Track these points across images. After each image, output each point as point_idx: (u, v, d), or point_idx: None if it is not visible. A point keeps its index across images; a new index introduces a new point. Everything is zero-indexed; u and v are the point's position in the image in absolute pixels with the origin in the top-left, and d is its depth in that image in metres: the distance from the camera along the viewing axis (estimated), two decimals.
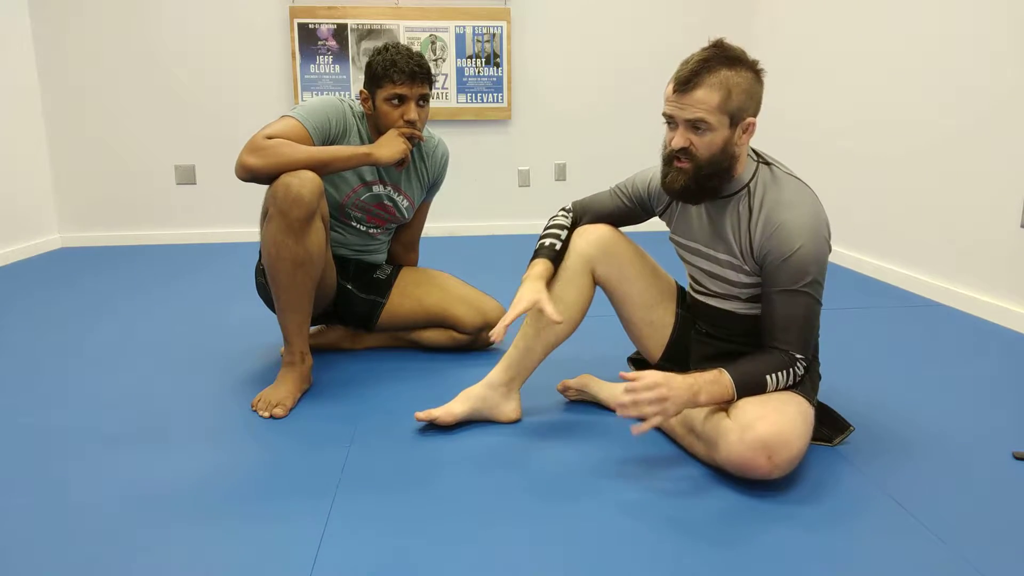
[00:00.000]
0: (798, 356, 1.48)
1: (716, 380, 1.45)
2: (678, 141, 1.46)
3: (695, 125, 1.44)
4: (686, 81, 1.42)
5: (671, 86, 1.46)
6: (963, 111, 2.72)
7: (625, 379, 1.44)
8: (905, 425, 1.74)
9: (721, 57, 1.43)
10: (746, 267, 1.54)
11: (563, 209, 1.81)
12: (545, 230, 1.76)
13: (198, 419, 1.78)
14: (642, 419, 1.41)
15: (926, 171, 2.93)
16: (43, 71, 3.96)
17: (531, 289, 1.60)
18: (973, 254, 2.71)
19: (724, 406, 1.48)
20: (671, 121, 1.48)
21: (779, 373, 1.46)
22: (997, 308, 2.58)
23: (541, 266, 1.67)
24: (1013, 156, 2.50)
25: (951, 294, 2.80)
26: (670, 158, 1.50)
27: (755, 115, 1.47)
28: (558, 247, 1.72)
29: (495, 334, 1.57)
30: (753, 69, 1.46)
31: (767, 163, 1.55)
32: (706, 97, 1.42)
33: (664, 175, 1.52)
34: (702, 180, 1.48)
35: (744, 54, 1.46)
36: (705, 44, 1.46)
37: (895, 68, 3.09)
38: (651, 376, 1.42)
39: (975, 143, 2.67)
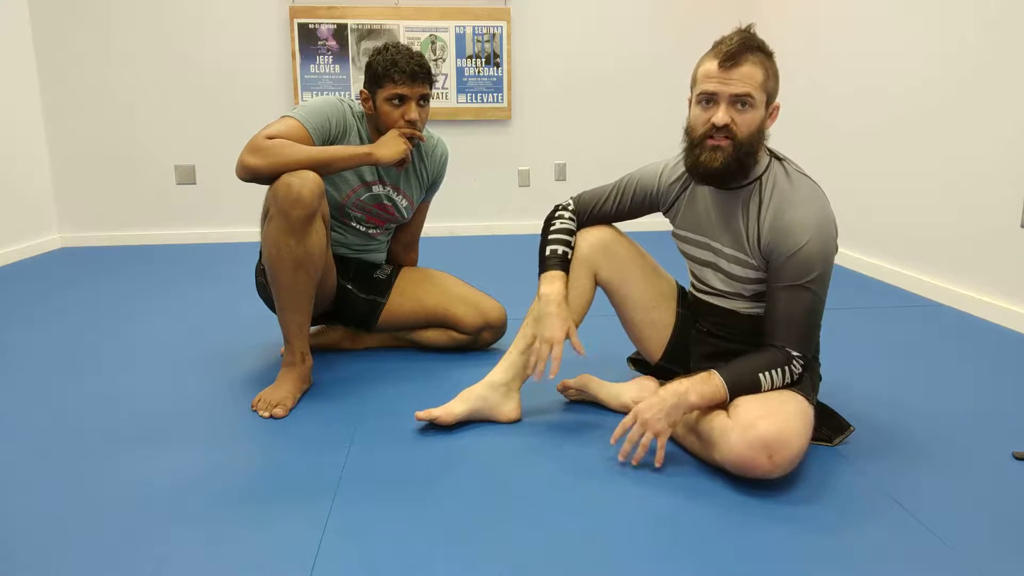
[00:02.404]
0: (795, 354, 1.48)
1: (706, 380, 1.46)
2: (722, 117, 1.44)
3: (741, 101, 1.44)
4: (732, 56, 1.42)
5: (712, 63, 1.45)
6: (963, 112, 2.72)
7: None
8: (905, 425, 1.74)
9: (755, 40, 1.46)
10: (752, 261, 1.54)
11: (564, 207, 1.78)
12: (551, 231, 1.73)
13: (198, 419, 1.78)
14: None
15: (926, 171, 2.93)
16: (43, 71, 3.96)
17: (559, 318, 1.61)
18: (973, 254, 2.71)
19: (724, 405, 1.48)
20: (710, 99, 1.46)
21: (773, 371, 1.46)
22: (997, 308, 2.58)
23: (560, 282, 1.66)
24: (1013, 156, 2.50)
25: (951, 294, 2.80)
26: (702, 138, 1.47)
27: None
28: (570, 256, 1.71)
29: (547, 374, 1.64)
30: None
31: (779, 159, 1.55)
32: (752, 72, 1.43)
33: (696, 156, 1.49)
34: (741, 158, 1.47)
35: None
36: (710, 43, 1.49)
37: (896, 69, 3.10)
38: (624, 421, 1.50)
39: (975, 143, 2.67)
